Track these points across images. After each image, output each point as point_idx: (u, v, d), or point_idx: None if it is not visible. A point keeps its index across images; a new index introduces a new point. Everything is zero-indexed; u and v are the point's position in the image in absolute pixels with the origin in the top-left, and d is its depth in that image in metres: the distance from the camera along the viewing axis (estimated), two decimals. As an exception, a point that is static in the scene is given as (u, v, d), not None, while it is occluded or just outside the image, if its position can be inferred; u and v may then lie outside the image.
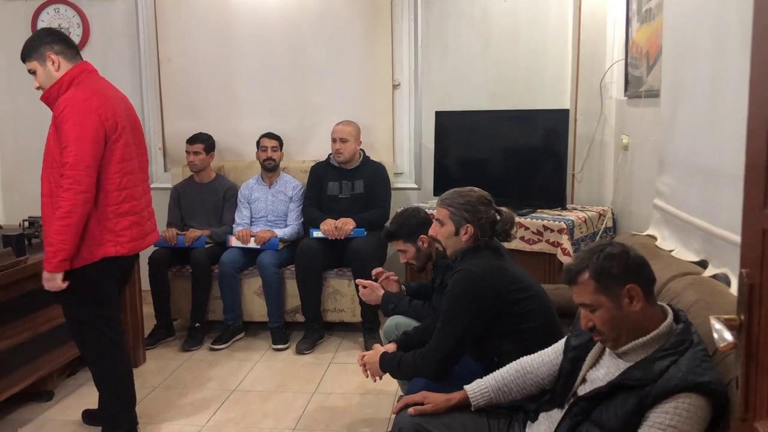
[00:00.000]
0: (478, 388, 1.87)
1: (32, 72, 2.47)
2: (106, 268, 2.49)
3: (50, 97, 2.45)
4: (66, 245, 2.34)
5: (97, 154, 2.36)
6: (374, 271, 2.85)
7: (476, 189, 2.23)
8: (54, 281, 2.39)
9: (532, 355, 1.86)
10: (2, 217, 4.52)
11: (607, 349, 1.64)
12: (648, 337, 1.52)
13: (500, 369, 1.90)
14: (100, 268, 2.47)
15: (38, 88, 2.49)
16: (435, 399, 1.87)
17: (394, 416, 2.47)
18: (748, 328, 1.06)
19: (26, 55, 2.46)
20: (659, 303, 1.58)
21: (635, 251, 1.57)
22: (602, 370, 1.62)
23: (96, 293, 2.51)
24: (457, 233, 2.16)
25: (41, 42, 2.44)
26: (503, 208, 2.22)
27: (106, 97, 2.45)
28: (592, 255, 1.54)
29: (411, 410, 1.85)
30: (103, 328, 2.55)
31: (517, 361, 1.88)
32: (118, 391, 2.63)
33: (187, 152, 4.02)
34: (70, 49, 2.49)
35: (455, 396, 1.88)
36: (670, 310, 1.56)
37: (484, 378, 1.89)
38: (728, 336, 1.04)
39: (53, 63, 2.43)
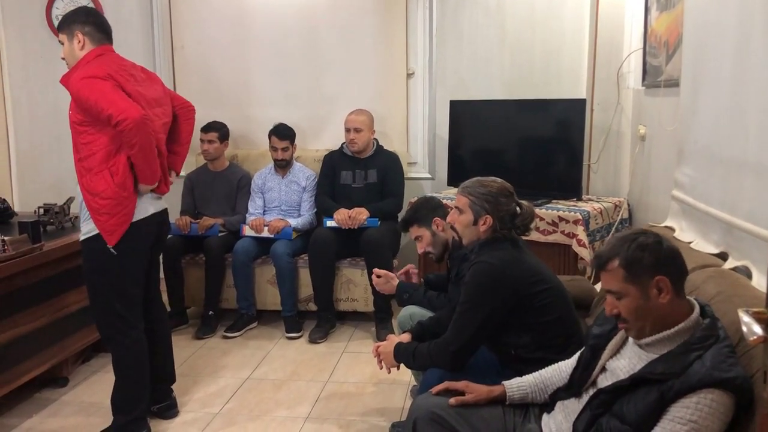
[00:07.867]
0: (516, 383, 1.88)
1: (61, 43, 2.58)
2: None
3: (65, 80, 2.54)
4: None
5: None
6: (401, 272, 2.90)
7: (498, 179, 2.19)
8: None
9: (571, 358, 1.85)
10: (17, 205, 4.55)
11: (630, 339, 1.62)
12: (673, 330, 1.50)
13: (540, 370, 1.90)
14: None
15: (63, 59, 2.59)
16: (477, 390, 1.86)
17: (408, 405, 2.46)
18: (778, 321, 1.03)
19: (60, 27, 2.59)
20: (687, 297, 1.56)
21: (669, 242, 1.55)
22: (624, 361, 1.61)
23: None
24: (475, 223, 2.14)
25: (75, 20, 2.54)
26: (524, 202, 2.19)
27: (120, 65, 2.51)
28: (624, 243, 1.52)
29: (452, 400, 1.83)
30: None
31: (557, 363, 1.88)
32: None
33: (201, 140, 4.02)
34: (100, 33, 2.56)
35: (496, 389, 1.87)
36: (697, 305, 1.54)
37: (524, 376, 1.90)
38: (758, 329, 1.02)
39: (79, 42, 2.52)
